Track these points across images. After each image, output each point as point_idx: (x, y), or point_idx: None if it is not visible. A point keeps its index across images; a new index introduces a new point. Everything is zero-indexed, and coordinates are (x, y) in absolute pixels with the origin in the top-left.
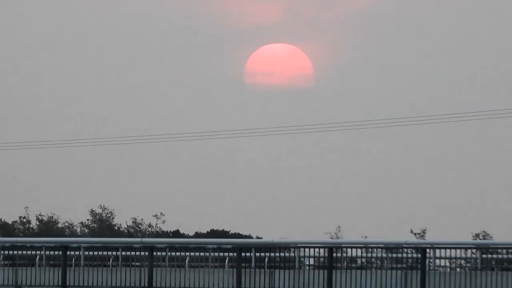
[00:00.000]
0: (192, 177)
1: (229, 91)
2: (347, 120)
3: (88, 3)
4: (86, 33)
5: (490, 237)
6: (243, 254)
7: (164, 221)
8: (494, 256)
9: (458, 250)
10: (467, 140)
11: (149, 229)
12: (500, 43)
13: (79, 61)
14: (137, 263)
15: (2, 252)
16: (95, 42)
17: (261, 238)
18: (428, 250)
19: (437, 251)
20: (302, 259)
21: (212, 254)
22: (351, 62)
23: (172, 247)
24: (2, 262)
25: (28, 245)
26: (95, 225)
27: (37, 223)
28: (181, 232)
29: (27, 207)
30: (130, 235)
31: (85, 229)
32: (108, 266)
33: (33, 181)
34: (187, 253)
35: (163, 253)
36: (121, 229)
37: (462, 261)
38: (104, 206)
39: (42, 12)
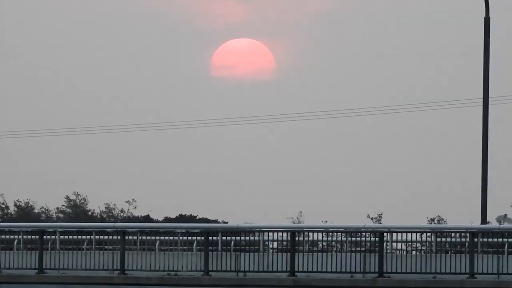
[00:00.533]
0: (162, 165)
1: (196, 83)
2: (305, 110)
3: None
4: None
5: (445, 221)
6: (210, 238)
7: (135, 207)
8: (448, 239)
9: (414, 234)
10: (423, 128)
11: (121, 214)
12: (461, 36)
13: (56, 56)
14: (110, 247)
15: None
16: (66, 37)
17: (227, 222)
18: (385, 234)
19: (394, 234)
20: (266, 242)
21: (181, 238)
22: (309, 56)
23: (143, 232)
24: None
25: (6, 229)
26: (70, 211)
27: (15, 208)
28: (152, 217)
29: (2, 194)
30: (103, 220)
31: (60, 214)
32: (83, 249)
33: (11, 169)
34: (157, 237)
35: (135, 237)
36: (94, 214)
37: (418, 244)
38: (78, 192)
39: (32, 9)
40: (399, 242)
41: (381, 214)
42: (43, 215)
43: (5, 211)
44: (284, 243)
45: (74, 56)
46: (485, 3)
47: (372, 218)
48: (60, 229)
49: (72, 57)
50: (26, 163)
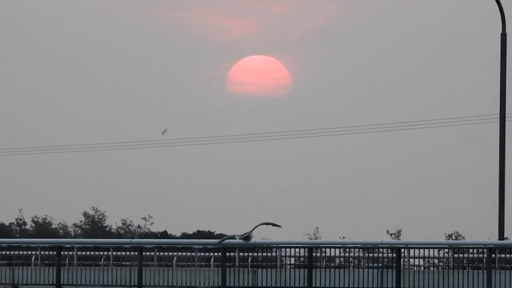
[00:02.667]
0: (179, 181)
1: (213, 100)
2: (321, 126)
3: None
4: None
5: (462, 237)
6: (227, 254)
7: (152, 223)
8: (466, 255)
9: (432, 250)
10: (441, 144)
11: (139, 230)
12: (468, 52)
13: (69, 67)
14: (127, 263)
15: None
16: (84, 51)
17: None
18: (402, 250)
19: (411, 250)
20: (283, 258)
21: (198, 254)
22: (325, 72)
23: (160, 247)
24: (0, 262)
25: (24, 245)
26: (88, 227)
27: (33, 224)
28: (169, 233)
29: (21, 209)
30: (120, 236)
31: (78, 230)
32: (100, 265)
33: (30, 185)
34: (175, 253)
35: (152, 253)
36: (112, 230)
37: (436, 260)
38: (96, 208)
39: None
40: (417, 258)
41: (400, 230)
42: (61, 231)
43: (23, 227)
44: (301, 259)
45: (89, 71)
46: (502, 19)
47: (391, 234)
48: (77, 245)
49: (87, 73)
50: (44, 179)
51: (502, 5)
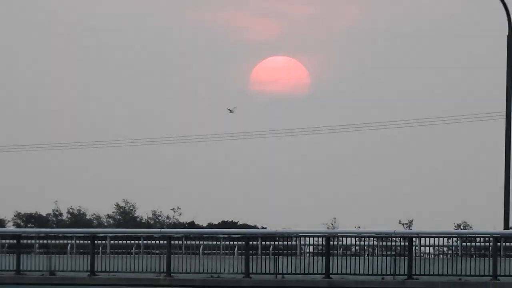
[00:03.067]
0: (205, 174)
1: (236, 97)
2: (339, 122)
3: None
4: (97, 38)
5: (470, 227)
6: (250, 242)
7: (180, 214)
8: (473, 243)
9: (441, 239)
10: (450, 140)
11: (167, 220)
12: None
13: (99, 67)
14: (157, 251)
15: (37, 241)
16: (112, 52)
17: (266, 228)
18: (414, 239)
19: (422, 239)
20: (303, 247)
21: (223, 242)
22: (343, 72)
23: (188, 237)
24: (38, 251)
25: (60, 235)
26: (120, 217)
27: (68, 215)
28: (196, 223)
29: (56, 201)
30: (150, 226)
31: (110, 220)
32: (131, 253)
33: (65, 178)
34: (201, 242)
35: (180, 242)
36: (142, 221)
37: (445, 248)
38: (127, 200)
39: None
40: (427, 246)
41: (412, 221)
42: (95, 221)
43: (59, 217)
44: (320, 247)
45: (126, 75)
46: (508, 22)
47: (403, 224)
48: (110, 234)
49: (125, 76)
50: (78, 172)
51: (508, 8)
